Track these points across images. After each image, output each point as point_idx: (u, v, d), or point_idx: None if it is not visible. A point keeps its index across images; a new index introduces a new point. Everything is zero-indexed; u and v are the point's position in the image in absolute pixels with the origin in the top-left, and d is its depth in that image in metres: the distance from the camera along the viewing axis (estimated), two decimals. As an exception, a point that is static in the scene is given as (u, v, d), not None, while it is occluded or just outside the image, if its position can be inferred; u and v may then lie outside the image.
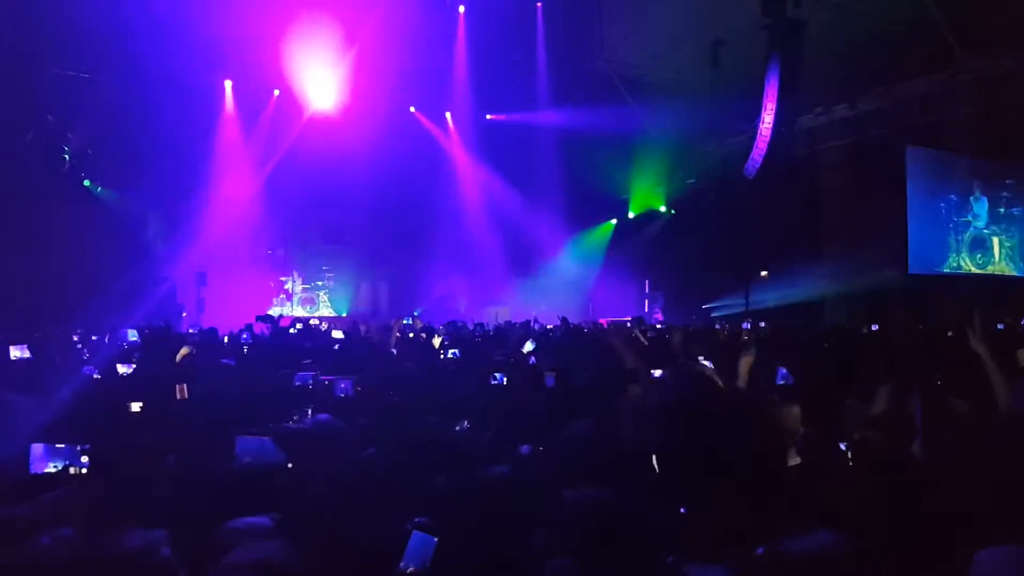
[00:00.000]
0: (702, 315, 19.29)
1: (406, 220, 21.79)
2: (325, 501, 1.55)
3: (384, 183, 18.38)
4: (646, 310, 20.73)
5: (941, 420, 2.91)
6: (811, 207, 19.87)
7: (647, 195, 21.60)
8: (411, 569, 2.30)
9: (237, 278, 19.80)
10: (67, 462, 1.89)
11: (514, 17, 15.50)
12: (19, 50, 12.43)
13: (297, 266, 20.40)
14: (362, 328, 10.66)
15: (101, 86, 14.25)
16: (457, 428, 3.26)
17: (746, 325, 13.08)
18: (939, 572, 1.97)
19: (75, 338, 8.36)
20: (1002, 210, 20.03)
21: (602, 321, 15.62)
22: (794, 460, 2.59)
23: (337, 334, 8.03)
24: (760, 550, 1.54)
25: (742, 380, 3.75)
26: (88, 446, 1.86)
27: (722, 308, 19.66)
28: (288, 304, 18.62)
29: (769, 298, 18.74)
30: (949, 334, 8.15)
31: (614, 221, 22.35)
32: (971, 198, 19.52)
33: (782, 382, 3.41)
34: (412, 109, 17.78)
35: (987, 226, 19.77)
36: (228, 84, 16.27)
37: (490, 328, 10.06)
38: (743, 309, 17.27)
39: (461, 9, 15.84)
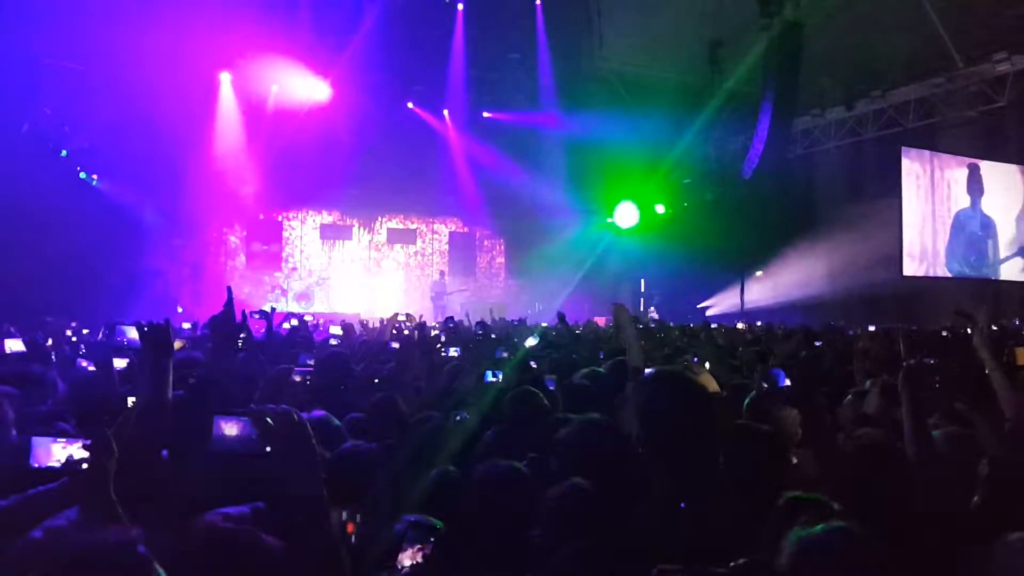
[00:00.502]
0: (697, 314, 19.32)
1: (405, 217, 21.83)
2: (302, 489, 1.53)
3: (383, 179, 18.38)
4: (641, 309, 20.74)
5: (936, 420, 2.93)
6: (807, 208, 19.94)
7: (643, 194, 21.62)
8: (410, 552, 2.30)
9: (231, 273, 19.80)
10: (68, 457, 1.88)
11: (513, 16, 15.48)
12: (15, 42, 12.36)
13: (293, 261, 20.38)
14: (358, 327, 10.66)
15: (97, 78, 14.19)
16: (457, 418, 3.26)
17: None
18: (938, 569, 1.97)
19: (69, 332, 8.33)
20: (997, 213, 20.10)
21: (598, 320, 15.63)
22: (793, 460, 2.60)
23: (335, 330, 8.00)
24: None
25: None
26: (89, 440, 1.85)
27: (717, 308, 19.72)
28: (283, 300, 18.59)
29: (764, 297, 18.81)
30: (944, 334, 8.19)
31: (609, 220, 22.37)
32: (966, 200, 19.59)
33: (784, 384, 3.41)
34: (410, 105, 17.75)
35: (982, 228, 19.85)
36: (226, 77, 16.21)
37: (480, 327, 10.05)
38: (738, 309, 17.30)
39: (460, 7, 15.82)
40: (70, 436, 1.88)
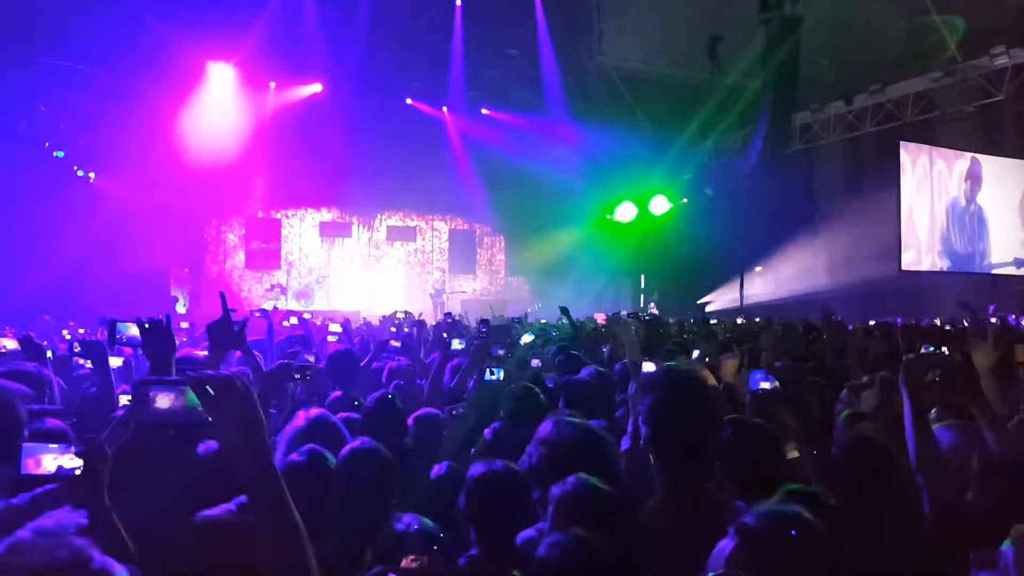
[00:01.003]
0: (697, 310, 19.32)
1: (405, 214, 21.81)
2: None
3: (383, 176, 18.34)
4: (641, 305, 20.73)
5: (937, 413, 2.91)
6: (806, 203, 19.93)
7: (642, 190, 21.60)
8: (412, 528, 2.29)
9: (231, 271, 19.79)
10: (59, 466, 1.86)
11: (512, 11, 15.43)
12: (11, 40, 12.33)
13: (292, 259, 20.36)
14: (361, 323, 10.66)
15: (94, 76, 14.16)
16: (454, 412, 3.26)
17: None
18: (938, 566, 1.96)
19: (66, 332, 8.31)
20: (995, 207, 20.08)
21: (597, 316, 15.60)
22: (792, 454, 2.59)
23: (335, 327, 7.98)
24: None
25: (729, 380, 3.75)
26: (82, 448, 1.83)
27: (717, 303, 19.71)
28: (282, 298, 18.57)
29: (763, 292, 18.80)
30: (948, 328, 8.17)
31: (609, 216, 22.35)
32: (965, 195, 19.58)
33: (759, 387, 3.35)
34: (408, 101, 17.70)
35: (980, 223, 19.84)
36: (227, 74, 16.16)
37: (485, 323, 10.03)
38: (738, 304, 17.30)
39: (458, 2, 15.77)
40: (62, 442, 1.85)
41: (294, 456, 2.49)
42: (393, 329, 8.69)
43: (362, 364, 5.05)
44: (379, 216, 21.35)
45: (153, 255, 18.05)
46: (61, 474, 1.85)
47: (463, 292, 20.18)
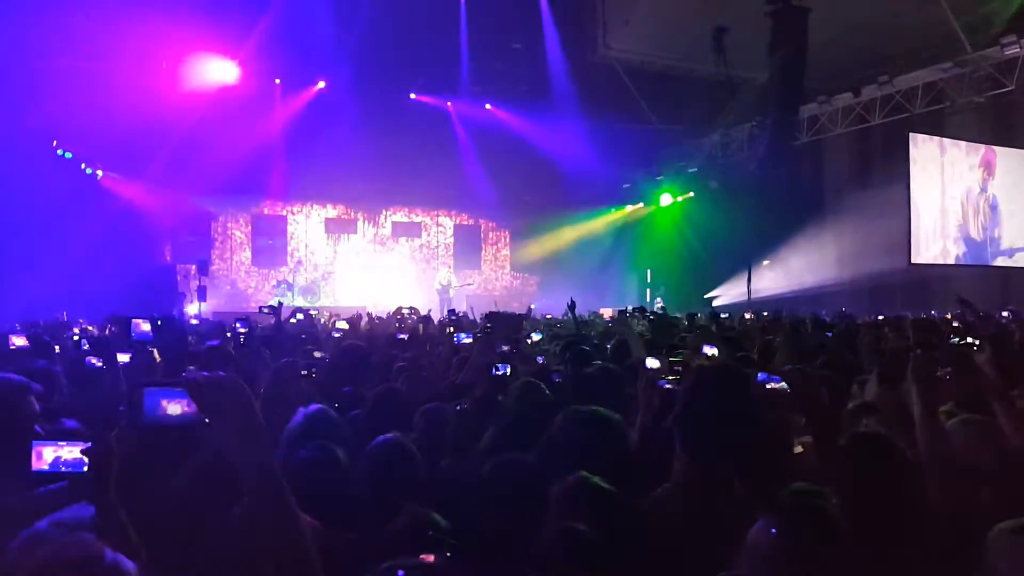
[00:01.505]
0: (704, 304, 19.26)
1: (410, 209, 21.81)
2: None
3: (388, 171, 18.33)
4: (648, 299, 20.70)
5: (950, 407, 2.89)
6: (814, 195, 19.83)
7: (650, 184, 21.56)
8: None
9: (237, 267, 19.85)
10: (68, 463, 1.86)
11: (516, 4, 15.36)
12: (19, 38, 12.36)
13: (298, 256, 20.40)
14: (364, 320, 10.65)
15: (100, 74, 14.18)
16: (458, 407, 3.25)
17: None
18: (938, 560, 1.95)
19: (76, 330, 8.35)
20: (1006, 198, 19.94)
21: (604, 312, 15.60)
22: (797, 449, 2.57)
23: (341, 324, 7.99)
24: None
25: None
26: (89, 444, 1.83)
27: (724, 297, 19.65)
28: (289, 294, 18.62)
29: (771, 286, 18.73)
30: (955, 324, 8.12)
31: (614, 210, 22.32)
32: (975, 186, 19.45)
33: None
34: (412, 96, 17.67)
35: (990, 215, 19.70)
36: (231, 71, 16.16)
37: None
38: (745, 299, 17.23)
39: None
40: (70, 438, 1.85)
41: (302, 452, 2.48)
42: (398, 325, 8.70)
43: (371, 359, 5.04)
44: (384, 212, 21.37)
45: (161, 252, 18.14)
46: (70, 470, 1.85)
47: (469, 287, 20.19)
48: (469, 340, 4.86)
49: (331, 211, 20.95)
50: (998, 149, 19.47)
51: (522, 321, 7.16)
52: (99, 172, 15.88)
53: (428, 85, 17.25)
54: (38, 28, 12.51)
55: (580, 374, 4.04)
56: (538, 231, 21.75)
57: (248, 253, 20.12)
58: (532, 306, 14.63)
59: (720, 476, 1.99)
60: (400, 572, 1.57)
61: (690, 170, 20.14)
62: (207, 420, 1.47)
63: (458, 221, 22.50)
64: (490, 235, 23.01)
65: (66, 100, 13.93)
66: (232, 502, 1.92)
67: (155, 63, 14.28)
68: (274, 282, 19.61)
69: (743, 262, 17.93)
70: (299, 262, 20.11)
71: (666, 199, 21.36)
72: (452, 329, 6.95)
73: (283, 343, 6.37)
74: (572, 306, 7.14)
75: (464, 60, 16.32)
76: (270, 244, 20.29)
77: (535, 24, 15.79)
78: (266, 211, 20.40)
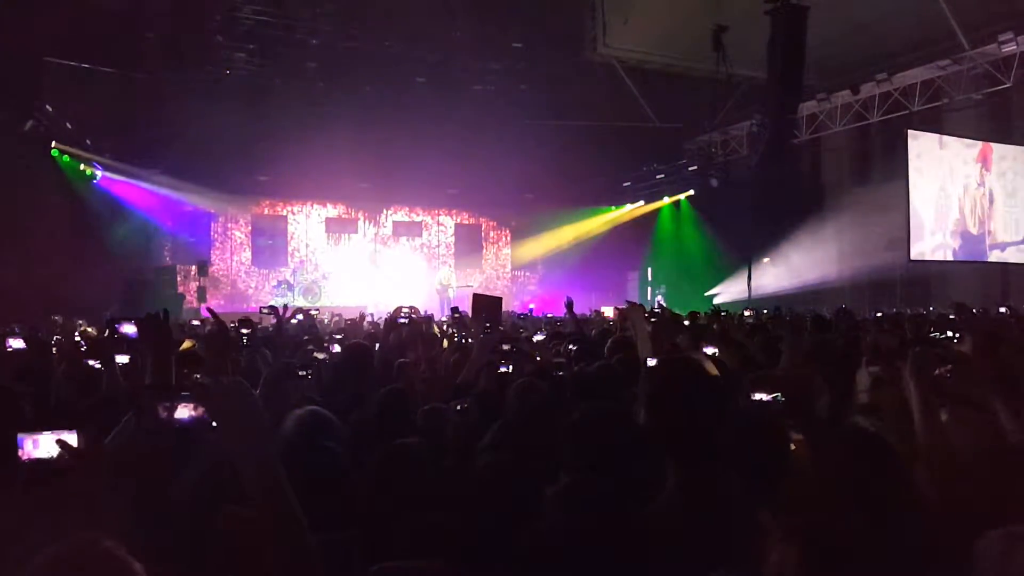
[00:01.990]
0: (704, 302, 19.26)
1: (410, 209, 21.81)
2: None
3: (389, 170, 18.32)
4: (648, 298, 20.70)
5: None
6: (813, 193, 19.84)
7: (650, 182, 21.55)
8: None
9: (238, 268, 19.85)
10: (54, 450, 1.86)
11: (515, 2, 15.35)
12: (18, 39, 12.35)
13: (299, 256, 20.40)
14: (367, 320, 10.66)
15: (100, 75, 14.19)
16: (459, 407, 3.25)
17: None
18: (933, 560, 1.94)
19: (76, 332, 8.34)
20: (1004, 195, 19.93)
21: (604, 311, 15.57)
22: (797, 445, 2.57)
23: (337, 336, 7.99)
24: None
25: None
26: (74, 431, 1.83)
27: (724, 295, 19.65)
28: (289, 294, 18.63)
29: (771, 284, 18.72)
30: (952, 318, 8.12)
31: (615, 208, 22.31)
32: (974, 183, 19.43)
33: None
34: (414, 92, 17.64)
35: (989, 211, 19.69)
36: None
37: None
38: (745, 296, 17.22)
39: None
40: (56, 429, 1.85)
41: (308, 450, 2.48)
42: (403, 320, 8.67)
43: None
44: (385, 211, 21.37)
45: (160, 253, 18.14)
46: (57, 459, 1.84)
47: (469, 287, 20.19)
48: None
49: (331, 211, 20.94)
50: (996, 146, 19.45)
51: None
52: (98, 173, 15.88)
53: (428, 84, 17.21)
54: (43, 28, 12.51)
55: (582, 373, 4.04)
56: (539, 230, 21.76)
57: (248, 253, 20.12)
58: (531, 306, 14.66)
59: (709, 477, 1.99)
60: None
61: (690, 168, 20.13)
62: (214, 424, 1.50)
63: (459, 220, 22.50)
64: (491, 234, 23.02)
65: (66, 101, 13.95)
66: (228, 502, 1.92)
67: (157, 62, 14.26)
68: (274, 282, 19.62)
69: (743, 260, 17.94)
70: (300, 262, 20.11)
71: (666, 197, 21.36)
72: (451, 330, 6.96)
73: (283, 344, 6.37)
74: (570, 305, 7.14)
75: (464, 58, 16.31)
76: (270, 244, 20.29)
77: (534, 22, 15.78)
78: (266, 211, 20.40)
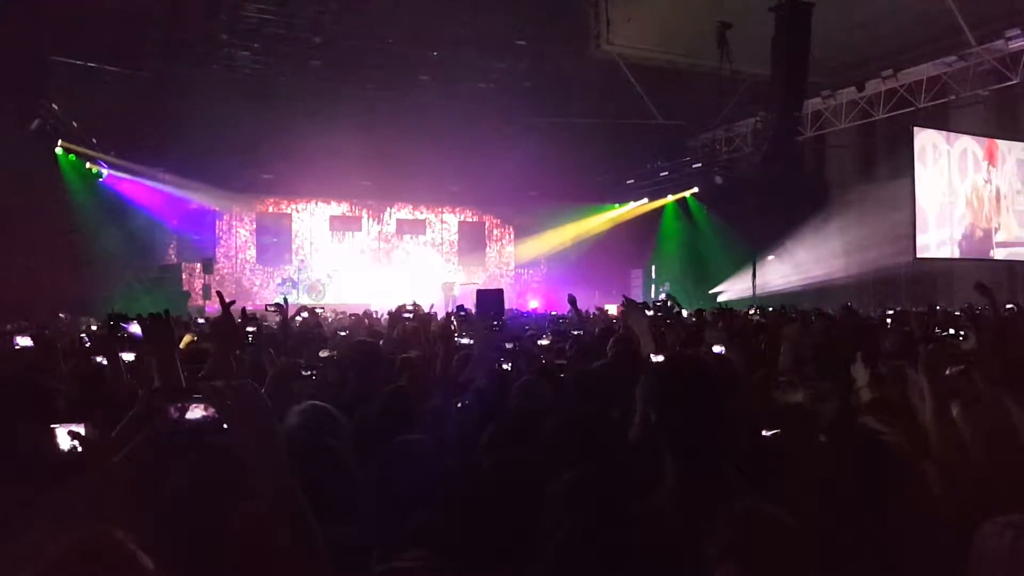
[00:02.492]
0: (708, 300, 19.25)
1: (414, 206, 21.83)
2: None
3: (393, 167, 18.34)
4: (652, 296, 20.69)
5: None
6: (818, 190, 19.80)
7: (654, 180, 21.52)
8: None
9: (242, 266, 19.90)
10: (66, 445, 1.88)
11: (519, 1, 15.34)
12: (24, 38, 12.40)
13: (303, 254, 20.44)
14: (370, 318, 10.67)
15: (106, 74, 14.24)
16: (460, 405, 3.26)
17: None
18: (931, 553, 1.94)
19: (82, 330, 8.38)
20: (1011, 192, 19.86)
21: (608, 308, 15.56)
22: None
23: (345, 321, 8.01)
24: None
25: None
26: (81, 424, 1.86)
27: (729, 293, 19.63)
28: (294, 292, 18.67)
29: (776, 281, 18.70)
30: (958, 314, 8.09)
31: (618, 205, 22.30)
32: (980, 180, 19.36)
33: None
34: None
35: (996, 209, 19.62)
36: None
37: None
38: (750, 293, 17.21)
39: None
40: (79, 422, 1.88)
41: (314, 449, 2.49)
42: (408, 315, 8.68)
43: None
44: (388, 209, 21.40)
45: (165, 251, 18.20)
46: (68, 453, 1.87)
47: (473, 284, 20.21)
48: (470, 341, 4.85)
49: (336, 208, 20.98)
50: (1002, 143, 19.38)
51: (502, 293, 7.25)
52: (103, 172, 15.94)
53: (431, 83, 17.22)
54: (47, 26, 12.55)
55: (584, 371, 4.04)
56: (542, 227, 21.76)
57: (253, 251, 20.17)
58: (533, 304, 14.65)
59: (708, 473, 1.99)
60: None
61: (694, 166, 20.11)
62: (226, 426, 1.53)
63: (462, 218, 22.52)
64: (494, 232, 23.03)
65: (72, 100, 13.99)
66: (238, 503, 1.94)
67: (159, 61, 14.29)
68: (279, 280, 19.67)
69: (748, 257, 17.93)
70: (303, 260, 20.16)
71: (670, 195, 21.33)
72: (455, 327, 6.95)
73: (288, 342, 6.38)
74: (573, 301, 7.13)
75: (467, 56, 16.30)
76: (275, 242, 20.34)
77: (538, 19, 15.75)
78: (271, 209, 20.45)
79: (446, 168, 18.66)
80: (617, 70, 16.42)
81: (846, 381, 3.76)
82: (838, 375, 3.82)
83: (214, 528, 2.01)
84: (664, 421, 2.06)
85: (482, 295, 6.28)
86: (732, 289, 19.63)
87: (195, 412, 1.63)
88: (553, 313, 13.32)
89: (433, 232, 22.15)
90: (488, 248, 22.91)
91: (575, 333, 6.13)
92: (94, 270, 13.79)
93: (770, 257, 19.41)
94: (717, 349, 4.61)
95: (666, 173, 21.06)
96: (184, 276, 17.67)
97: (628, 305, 5.10)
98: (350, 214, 21.14)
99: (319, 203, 20.75)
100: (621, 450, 2.34)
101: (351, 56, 15.47)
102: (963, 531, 2.01)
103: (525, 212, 21.83)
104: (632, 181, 21.64)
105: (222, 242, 19.75)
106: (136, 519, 1.88)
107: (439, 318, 9.25)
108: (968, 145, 18.97)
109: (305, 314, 9.52)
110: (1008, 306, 10.97)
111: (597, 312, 13.03)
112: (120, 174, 16.28)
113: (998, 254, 19.45)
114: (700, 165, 19.93)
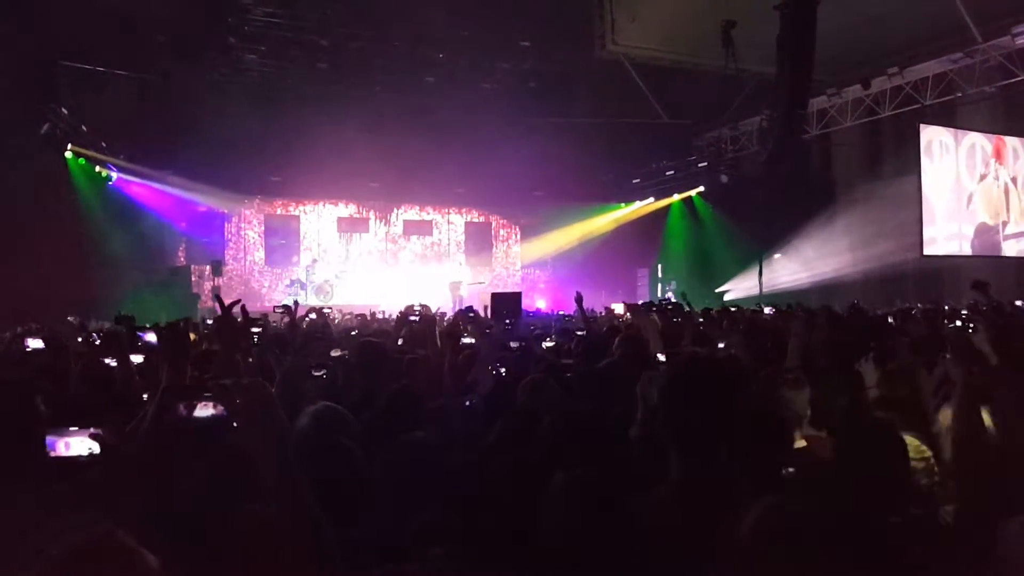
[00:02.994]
0: (715, 299, 19.21)
1: (421, 207, 21.86)
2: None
3: (400, 168, 18.37)
4: (659, 295, 20.66)
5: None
6: (824, 188, 19.73)
7: (659, 179, 21.49)
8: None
9: (251, 267, 19.98)
10: (83, 448, 1.91)
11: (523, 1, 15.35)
12: (34, 43, 12.49)
13: (311, 255, 20.49)
14: (376, 318, 10.71)
15: (115, 77, 14.34)
16: (467, 403, 3.28)
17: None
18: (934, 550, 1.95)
19: (93, 335, 8.43)
20: (1018, 188, 19.76)
21: (615, 307, 15.55)
22: (800, 443, 2.58)
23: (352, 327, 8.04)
24: None
25: None
26: (99, 431, 1.88)
27: (735, 292, 19.60)
28: (302, 293, 18.73)
29: (783, 279, 18.66)
30: (964, 312, 8.07)
31: (624, 205, 22.28)
32: (987, 178, 19.27)
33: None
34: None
35: (1003, 205, 19.52)
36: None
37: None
38: (757, 292, 17.18)
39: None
40: (80, 429, 1.90)
41: (328, 449, 2.51)
42: (415, 317, 8.70)
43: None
44: (395, 210, 21.45)
45: (174, 254, 18.30)
46: (82, 457, 1.89)
47: (480, 284, 20.24)
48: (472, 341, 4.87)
49: (343, 210, 21.05)
50: (1010, 139, 19.28)
51: (520, 298, 7.23)
52: (112, 175, 16.04)
53: (436, 84, 17.24)
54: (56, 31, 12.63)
55: (591, 370, 4.05)
56: (548, 227, 21.76)
57: (261, 253, 20.26)
58: (540, 303, 14.65)
59: (715, 471, 2.00)
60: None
61: (700, 165, 20.08)
62: (234, 423, 1.54)
63: (469, 218, 22.55)
64: (501, 232, 23.05)
65: (81, 104, 14.08)
66: (246, 500, 1.97)
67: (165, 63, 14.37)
68: (287, 281, 19.74)
69: (754, 256, 17.89)
70: (313, 261, 20.22)
71: (676, 194, 21.31)
72: (465, 328, 6.97)
73: (296, 342, 6.40)
74: (579, 300, 7.13)
75: (471, 56, 16.32)
76: (283, 244, 20.43)
77: (542, 20, 15.76)
78: (279, 211, 20.53)
79: (452, 169, 18.68)
80: (622, 69, 16.41)
81: (855, 378, 3.77)
82: (846, 372, 3.83)
83: (222, 527, 2.04)
84: (671, 419, 2.07)
85: (498, 298, 6.24)
86: (739, 288, 19.59)
87: (204, 410, 1.65)
88: (560, 312, 13.35)
89: (440, 233, 22.19)
90: (495, 248, 22.93)
91: (579, 334, 6.13)
92: (104, 273, 13.87)
93: (777, 255, 19.37)
94: (723, 347, 4.63)
95: (672, 172, 21.03)
96: (193, 278, 17.75)
97: (635, 314, 5.15)
98: (357, 215, 21.20)
99: (327, 205, 20.83)
100: (621, 448, 2.36)
101: (357, 59, 15.54)
102: (981, 528, 2.01)
103: (531, 212, 21.84)
104: (638, 180, 21.62)
105: (231, 244, 19.84)
106: (144, 517, 1.91)
107: (446, 320, 9.28)
108: (976, 141, 18.88)
109: (313, 315, 9.56)
110: (1017, 302, 10.93)
111: (604, 312, 13.04)
112: (129, 177, 16.38)
113: (1006, 251, 19.35)
114: (706, 164, 19.90)
